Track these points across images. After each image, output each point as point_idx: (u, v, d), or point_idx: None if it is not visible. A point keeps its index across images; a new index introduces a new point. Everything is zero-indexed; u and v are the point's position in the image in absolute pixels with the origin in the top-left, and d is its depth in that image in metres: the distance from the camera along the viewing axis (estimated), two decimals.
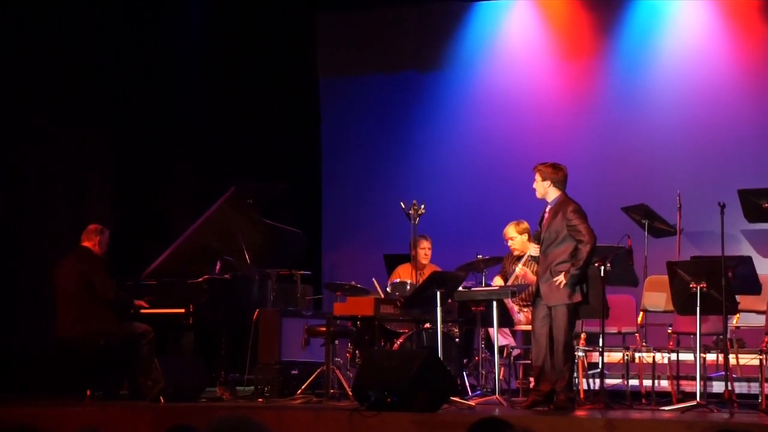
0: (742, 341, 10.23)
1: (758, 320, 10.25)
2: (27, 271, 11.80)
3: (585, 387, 10.21)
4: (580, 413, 8.89)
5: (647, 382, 10.21)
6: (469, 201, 13.09)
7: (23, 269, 11.85)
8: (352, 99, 13.90)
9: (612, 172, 12.67)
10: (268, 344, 10.63)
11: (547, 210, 9.33)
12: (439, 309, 9.75)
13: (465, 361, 10.67)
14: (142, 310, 10.71)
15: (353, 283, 10.93)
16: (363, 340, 10.58)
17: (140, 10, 12.92)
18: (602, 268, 9.30)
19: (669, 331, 10.19)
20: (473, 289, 10.27)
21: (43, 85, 12.13)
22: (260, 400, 10.26)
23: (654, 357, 10.09)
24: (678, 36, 12.74)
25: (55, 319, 10.52)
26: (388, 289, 10.78)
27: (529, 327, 9.96)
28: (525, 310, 10.63)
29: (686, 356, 10.03)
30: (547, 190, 9.31)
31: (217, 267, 11.08)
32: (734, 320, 10.12)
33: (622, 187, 12.38)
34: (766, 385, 9.49)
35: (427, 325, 10.36)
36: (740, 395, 9.93)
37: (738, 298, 9.28)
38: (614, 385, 10.49)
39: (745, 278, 9.36)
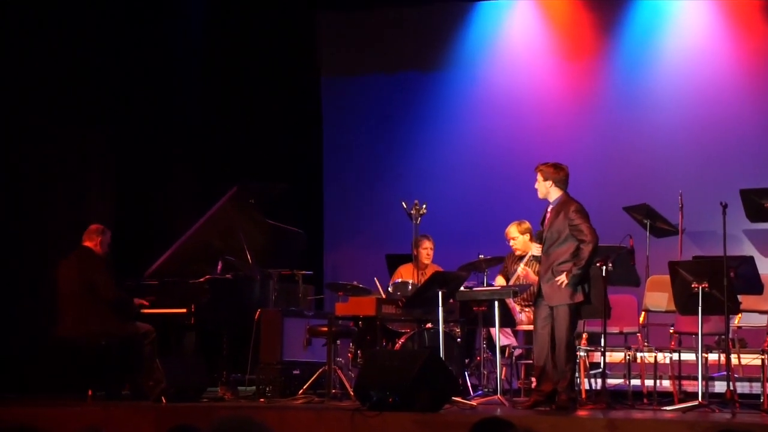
0: (744, 341, 10.22)
1: (760, 320, 10.26)
2: (27, 271, 11.79)
3: (587, 387, 10.21)
4: (582, 413, 8.89)
5: (649, 382, 10.21)
6: (470, 201, 13.09)
7: (23, 269, 11.83)
8: (354, 99, 13.89)
9: (614, 171, 12.66)
10: (270, 344, 10.63)
11: (549, 210, 9.33)
12: (440, 309, 9.75)
13: (467, 361, 10.66)
14: (144, 310, 10.71)
15: (355, 283, 10.93)
16: (365, 340, 10.57)
17: (140, 10, 12.91)
18: (604, 267, 9.30)
19: (671, 331, 10.20)
20: (475, 289, 10.26)
21: (43, 85, 12.12)
22: (262, 400, 10.26)
23: (656, 357, 10.10)
24: (679, 36, 12.74)
25: (55, 319, 10.52)
26: (389, 289, 10.77)
27: (530, 327, 9.96)
28: (527, 310, 10.63)
29: (688, 356, 10.03)
30: (548, 190, 9.31)
31: (219, 267, 11.08)
32: (736, 320, 10.12)
33: (623, 187, 12.37)
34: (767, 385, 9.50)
35: (429, 325, 10.35)
36: (742, 395, 9.93)
37: (740, 298, 9.28)
38: (616, 385, 10.50)
39: (747, 278, 9.35)
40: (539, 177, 9.32)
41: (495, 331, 10.02)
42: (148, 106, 13.05)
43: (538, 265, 9.69)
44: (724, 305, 8.91)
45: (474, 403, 9.40)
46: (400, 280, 10.90)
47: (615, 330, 10.26)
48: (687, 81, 12.62)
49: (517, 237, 10.92)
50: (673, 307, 9.58)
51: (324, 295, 12.39)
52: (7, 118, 11.92)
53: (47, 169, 12.22)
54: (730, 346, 9.51)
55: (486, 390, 10.23)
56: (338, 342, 10.58)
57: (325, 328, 10.36)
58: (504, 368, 10.28)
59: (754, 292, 9.54)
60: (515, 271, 10.72)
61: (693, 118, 12.53)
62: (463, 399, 9.32)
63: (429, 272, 10.69)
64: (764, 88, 12.38)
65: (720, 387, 9.99)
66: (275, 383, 10.47)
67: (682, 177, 12.17)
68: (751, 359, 10.02)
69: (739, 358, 9.99)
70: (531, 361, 10.05)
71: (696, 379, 9.25)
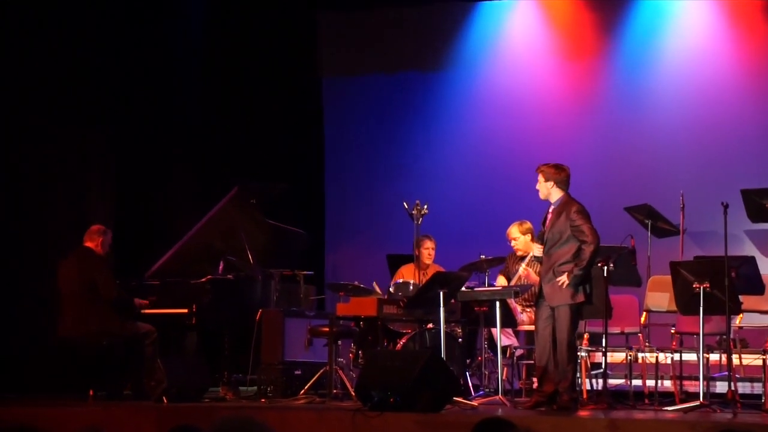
0: (746, 341, 10.22)
1: (761, 320, 10.27)
2: (27, 271, 11.79)
3: (588, 387, 10.21)
4: (583, 413, 8.90)
5: (650, 383, 10.21)
6: (472, 201, 13.08)
7: (23, 269, 11.83)
8: (355, 99, 13.89)
9: (615, 172, 12.66)
10: (271, 344, 10.63)
11: (551, 211, 9.33)
12: (442, 309, 9.75)
13: (468, 361, 10.67)
14: (145, 310, 10.71)
15: (356, 283, 10.91)
16: (366, 341, 10.57)
17: (140, 10, 12.90)
18: (605, 268, 9.30)
19: (672, 331, 10.20)
20: (476, 289, 10.26)
21: (43, 85, 12.11)
22: (263, 400, 10.27)
23: (657, 357, 10.09)
24: (681, 36, 12.73)
25: (56, 319, 10.51)
26: (391, 290, 10.77)
27: (532, 327, 9.96)
28: (528, 310, 10.63)
29: (689, 356, 10.04)
30: (550, 191, 9.31)
31: (220, 267, 11.08)
32: (737, 320, 10.12)
33: (625, 187, 12.37)
34: None
35: (430, 325, 10.35)
36: (743, 395, 9.92)
37: (741, 298, 9.28)
38: (617, 385, 10.48)
39: (748, 278, 9.35)
40: (540, 178, 9.33)
41: (496, 331, 10.02)
42: (148, 106, 13.05)
43: (539, 266, 9.69)
44: (725, 305, 8.91)
45: (475, 403, 9.40)
46: (401, 280, 10.90)
47: (616, 330, 10.26)
48: (688, 81, 12.61)
49: (519, 237, 10.92)
50: (674, 308, 9.59)
51: (325, 295, 12.39)
52: (7, 118, 11.91)
53: (47, 169, 12.22)
54: (732, 347, 9.51)
55: (487, 390, 10.22)
56: (339, 342, 10.57)
57: (327, 329, 10.36)
58: (505, 368, 10.28)
59: (755, 293, 9.54)
60: (516, 271, 10.72)
61: (694, 119, 12.53)
62: (464, 399, 9.32)
63: (430, 272, 10.69)
64: (765, 88, 12.37)
65: (721, 387, 9.98)
66: (276, 383, 10.48)
67: (683, 177, 12.17)
68: (752, 359, 10.02)
69: (740, 358, 10.00)
70: (532, 362, 10.05)
71: (697, 379, 9.25)
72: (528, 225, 10.88)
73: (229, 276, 10.99)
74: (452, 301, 10.11)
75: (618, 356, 10.31)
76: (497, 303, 9.91)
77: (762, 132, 12.27)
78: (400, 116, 13.65)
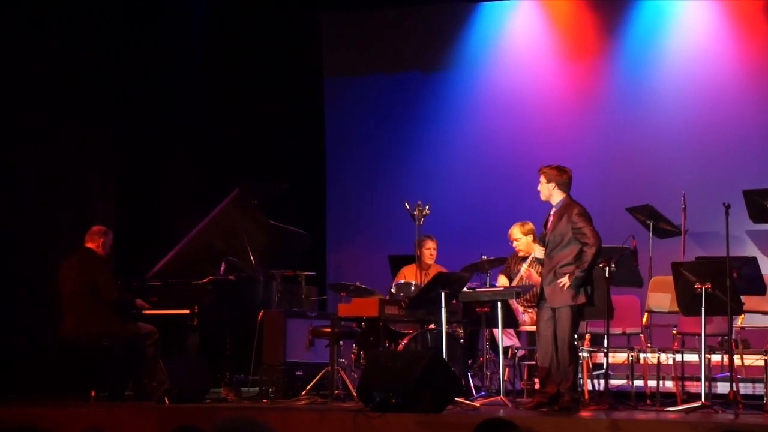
0: (747, 342, 10.21)
1: (763, 321, 10.26)
2: (27, 271, 11.78)
3: (590, 388, 10.20)
4: (585, 414, 8.90)
5: (652, 383, 10.19)
6: (473, 202, 13.08)
7: (23, 269, 11.82)
8: (356, 99, 13.88)
9: (617, 172, 12.66)
10: (273, 345, 10.64)
11: (552, 213, 9.33)
12: (443, 310, 9.74)
13: (470, 362, 10.67)
14: (146, 311, 10.71)
15: (358, 283, 10.93)
16: (367, 341, 10.57)
17: (140, 10, 12.90)
18: (607, 268, 9.29)
19: (674, 331, 10.19)
20: (478, 290, 10.25)
21: (43, 85, 12.10)
22: (265, 401, 10.26)
23: (659, 358, 10.08)
24: (682, 36, 12.72)
25: (58, 320, 10.51)
26: (392, 290, 10.77)
27: (533, 328, 9.96)
28: (530, 310, 10.62)
29: (691, 357, 10.04)
30: (551, 192, 9.32)
31: (222, 268, 11.09)
32: (739, 321, 10.11)
33: (626, 188, 12.37)
34: None
35: (432, 326, 10.36)
36: (745, 396, 9.92)
37: (743, 298, 9.27)
38: (619, 385, 10.47)
39: (750, 279, 9.34)
40: (542, 179, 9.33)
41: (498, 332, 10.02)
42: (148, 106, 13.04)
43: (541, 266, 9.69)
44: (727, 306, 8.90)
45: (477, 404, 9.39)
46: (403, 281, 10.90)
47: (618, 331, 10.25)
48: (690, 81, 12.61)
49: (520, 238, 10.91)
50: (676, 308, 9.58)
51: (327, 296, 12.39)
52: (7, 118, 11.91)
53: (47, 169, 12.21)
54: (733, 347, 9.51)
55: (489, 391, 10.22)
56: (341, 343, 10.57)
57: (328, 329, 10.35)
58: (507, 369, 10.27)
59: (757, 293, 9.53)
60: (518, 271, 10.71)
61: (696, 119, 12.52)
62: (466, 400, 9.31)
63: (432, 273, 10.69)
64: (767, 88, 12.37)
65: (723, 388, 9.97)
66: (278, 384, 10.48)
67: (685, 178, 12.17)
68: (754, 360, 10.01)
69: (742, 358, 9.99)
70: (534, 362, 10.05)
71: (699, 379, 9.26)
72: (530, 226, 10.87)
73: (230, 277, 11.00)
74: (454, 301, 10.11)
75: (620, 357, 10.30)
76: (499, 304, 9.90)
77: (764, 132, 12.26)
78: (401, 116, 13.64)
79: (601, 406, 9.22)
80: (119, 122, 12.78)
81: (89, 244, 10.59)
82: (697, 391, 9.48)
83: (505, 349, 10.22)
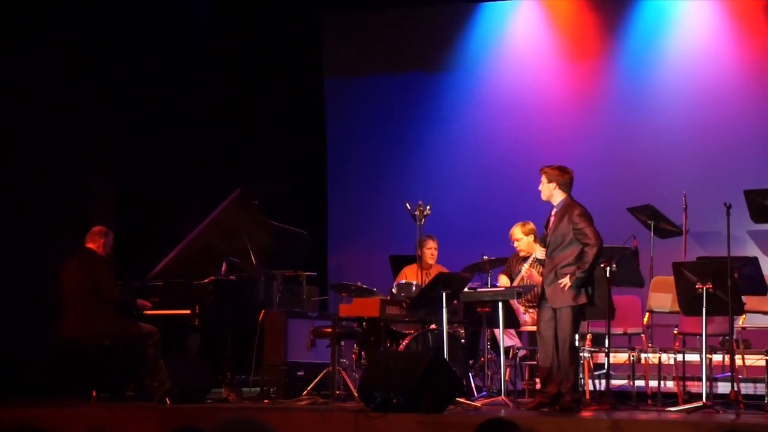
0: (748, 342, 10.21)
1: (764, 321, 10.26)
2: (27, 271, 11.78)
3: (591, 388, 10.20)
4: (586, 414, 8.90)
5: (653, 383, 10.18)
6: (474, 202, 13.08)
7: (23, 269, 11.82)
8: (357, 100, 13.88)
9: (618, 172, 12.66)
10: (274, 345, 10.64)
11: (553, 213, 9.33)
12: (444, 310, 9.74)
13: (471, 362, 10.67)
14: (148, 311, 10.71)
15: (359, 284, 10.92)
16: (369, 341, 10.57)
17: (141, 10, 12.90)
18: (608, 268, 9.29)
19: (675, 331, 10.19)
20: (479, 290, 10.25)
21: (43, 85, 12.10)
22: (266, 401, 10.26)
23: (660, 358, 10.08)
24: (683, 36, 12.72)
25: (58, 320, 10.52)
26: (393, 290, 10.77)
27: (534, 328, 9.95)
28: (531, 311, 10.62)
29: (692, 357, 10.04)
30: (552, 193, 9.31)
31: (223, 268, 11.09)
32: (740, 321, 10.11)
33: (627, 188, 12.37)
34: None
35: (433, 326, 10.36)
36: (746, 396, 9.92)
37: (744, 298, 9.28)
38: (620, 386, 10.47)
39: (751, 279, 9.33)
40: (544, 179, 9.32)
41: (499, 332, 10.01)
42: (149, 106, 13.05)
43: (542, 267, 9.68)
44: (728, 306, 8.90)
45: (478, 404, 9.39)
46: (404, 281, 10.90)
47: (619, 331, 10.25)
48: (691, 82, 12.61)
49: (522, 238, 10.90)
50: (677, 308, 9.58)
51: (328, 296, 12.38)
52: (7, 118, 11.90)
53: (47, 170, 12.21)
54: (735, 347, 9.51)
55: (490, 391, 10.22)
56: (342, 343, 10.57)
57: (329, 329, 10.35)
58: (508, 369, 10.27)
59: (758, 293, 9.53)
60: (519, 272, 10.71)
61: (697, 119, 12.52)
62: (467, 400, 9.31)
63: (433, 273, 10.69)
64: None
65: (724, 388, 9.96)
66: (279, 384, 10.48)
67: (686, 178, 12.17)
68: (755, 360, 10.01)
69: (743, 358, 9.99)
70: (535, 362, 10.04)
71: (700, 379, 9.25)
72: (531, 226, 10.87)
73: (231, 277, 11.00)
74: (455, 301, 10.11)
75: (621, 357, 10.30)
76: (500, 304, 9.90)
77: (765, 132, 12.26)
78: (402, 117, 13.64)
79: (602, 406, 9.22)
80: (120, 122, 12.78)
81: (90, 245, 10.59)
82: (698, 391, 9.48)
83: (506, 349, 10.21)
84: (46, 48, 12.13)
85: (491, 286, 10.51)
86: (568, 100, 13.08)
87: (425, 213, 10.36)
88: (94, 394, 10.17)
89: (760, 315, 10.20)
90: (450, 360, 9.48)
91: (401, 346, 10.31)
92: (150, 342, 10.41)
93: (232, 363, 10.81)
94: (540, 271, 10.04)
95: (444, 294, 9.75)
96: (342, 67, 14.02)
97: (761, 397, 9.96)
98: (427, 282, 10.29)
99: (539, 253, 9.48)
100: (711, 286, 8.94)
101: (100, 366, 10.31)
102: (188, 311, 10.66)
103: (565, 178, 9.28)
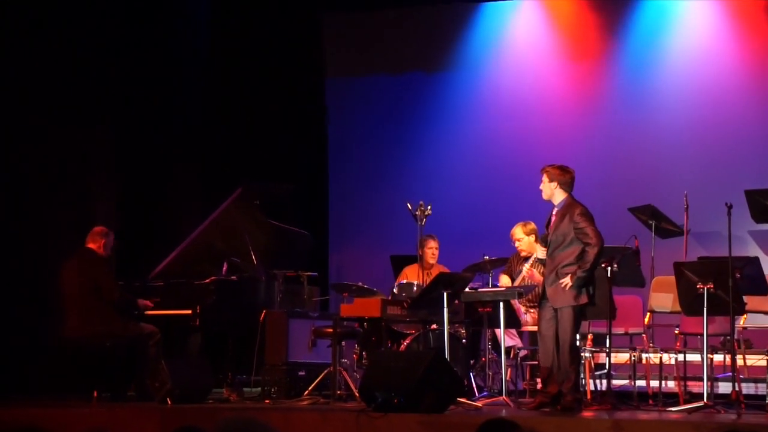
0: (750, 342, 10.23)
1: (766, 321, 10.27)
2: (28, 271, 11.77)
3: (592, 388, 10.20)
4: (587, 414, 8.89)
5: (654, 383, 10.19)
6: (475, 202, 13.08)
7: (24, 269, 11.81)
8: (358, 100, 13.89)
9: (619, 172, 12.66)
10: (275, 345, 10.64)
11: (554, 213, 9.32)
12: (446, 310, 9.74)
13: (472, 362, 10.67)
14: (149, 311, 10.70)
15: (360, 284, 10.91)
16: (370, 341, 10.57)
17: (141, 9, 12.90)
18: (609, 268, 9.29)
19: (676, 331, 10.19)
20: (480, 290, 10.25)
21: (43, 85, 12.10)
22: (267, 401, 10.25)
23: (661, 358, 10.08)
24: (684, 37, 12.73)
25: (59, 320, 10.51)
26: (394, 290, 10.76)
27: (535, 328, 9.95)
28: (532, 311, 10.62)
29: (693, 357, 10.04)
30: (553, 192, 9.30)
31: (224, 268, 11.09)
32: (741, 321, 10.13)
33: (628, 188, 12.37)
34: None
35: (434, 326, 10.35)
36: (747, 396, 9.92)
37: (745, 298, 9.29)
38: (621, 385, 10.47)
39: (752, 279, 9.34)
40: (545, 178, 9.32)
41: (500, 332, 10.01)
42: (149, 106, 13.04)
43: (543, 267, 9.68)
44: (729, 306, 8.90)
45: (479, 404, 9.39)
46: (405, 281, 10.90)
47: (620, 331, 10.24)
48: (692, 82, 12.61)
49: (523, 238, 10.91)
50: (678, 308, 9.58)
51: (329, 296, 12.38)
52: (7, 118, 11.90)
53: (47, 170, 12.21)
54: (736, 347, 9.51)
55: (491, 391, 10.22)
56: (343, 343, 10.57)
57: (330, 330, 10.34)
58: (509, 369, 10.27)
59: (759, 293, 9.54)
60: (520, 271, 10.71)
61: (698, 119, 12.53)
62: (468, 400, 9.31)
63: (434, 273, 10.68)
64: None
65: (725, 388, 9.96)
66: (280, 384, 10.48)
67: (687, 178, 12.17)
68: (756, 360, 10.03)
69: (744, 358, 10.00)
70: (536, 362, 10.03)
71: (701, 379, 9.25)
72: (532, 226, 10.87)
73: (232, 277, 11.00)
74: (456, 301, 10.10)
75: (622, 357, 10.30)
76: (501, 304, 9.90)
77: (766, 132, 12.26)
78: (403, 117, 13.64)
79: (603, 406, 9.22)
80: (120, 122, 12.78)
81: (90, 245, 10.59)
82: (699, 391, 9.47)
83: (508, 349, 10.21)
84: (46, 48, 12.12)
85: (492, 286, 10.51)
86: (568, 100, 13.09)
87: (426, 213, 10.36)
88: (95, 394, 10.17)
89: (762, 315, 10.21)
90: (451, 360, 9.48)
91: (402, 346, 10.30)
92: (151, 342, 10.41)
93: (233, 363, 10.80)
94: (541, 270, 10.04)
95: (445, 294, 9.74)
96: (342, 67, 14.02)
97: (762, 397, 9.96)
98: (428, 282, 10.29)
99: (540, 252, 9.47)
100: (712, 286, 8.94)
101: (101, 366, 10.31)
102: (189, 311, 10.66)
103: (566, 177, 9.27)
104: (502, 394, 9.71)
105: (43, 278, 11.17)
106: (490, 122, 13.33)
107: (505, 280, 10.84)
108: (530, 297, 10.59)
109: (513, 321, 10.41)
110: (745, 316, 10.04)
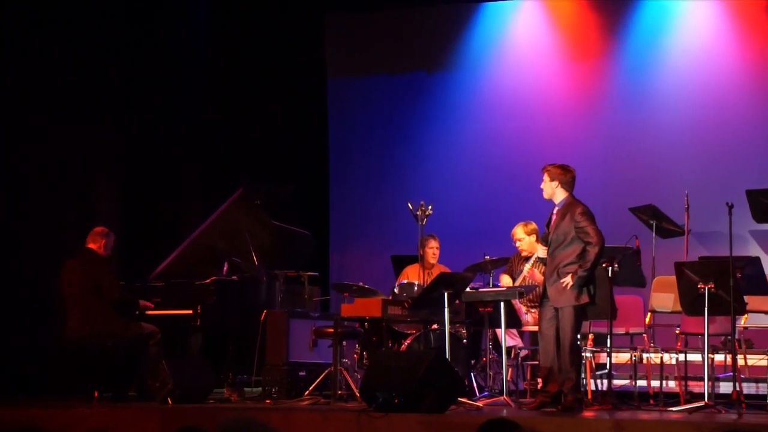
0: (750, 342, 10.22)
1: (766, 321, 10.26)
2: (28, 271, 11.76)
3: (593, 388, 10.20)
4: (588, 414, 8.88)
5: (655, 383, 10.19)
6: (476, 201, 13.09)
7: (24, 269, 11.80)
8: (360, 100, 13.89)
9: (619, 172, 12.66)
10: (276, 345, 10.64)
11: (555, 212, 9.32)
12: (446, 310, 9.74)
13: (473, 362, 10.67)
14: (149, 312, 10.70)
15: (361, 284, 10.92)
16: (371, 342, 10.57)
17: (142, 9, 12.90)
18: (610, 268, 9.28)
19: (677, 331, 10.19)
20: (481, 290, 10.25)
21: (43, 85, 12.10)
22: (268, 401, 10.24)
23: (662, 358, 10.08)
24: (685, 36, 12.73)
25: (59, 320, 10.51)
26: (395, 290, 10.76)
27: (536, 328, 9.95)
28: (533, 310, 10.61)
29: (694, 357, 10.04)
30: (554, 191, 9.30)
31: (225, 268, 11.08)
32: (742, 321, 10.12)
33: (629, 188, 12.37)
34: None
35: (435, 326, 10.35)
36: (748, 396, 9.93)
37: (746, 298, 9.28)
38: (622, 385, 10.47)
39: (753, 279, 9.34)
40: (546, 177, 9.31)
41: (501, 332, 10.01)
42: (150, 106, 13.05)
43: (544, 266, 9.67)
44: (730, 306, 8.90)
45: (480, 404, 9.39)
46: (406, 281, 10.90)
47: (621, 331, 10.24)
48: (693, 81, 12.62)
49: (524, 238, 10.90)
50: (679, 308, 9.58)
51: (330, 296, 12.39)
52: (7, 118, 11.90)
53: (47, 170, 12.20)
54: (737, 347, 9.50)
55: (492, 391, 10.22)
56: (344, 343, 10.56)
57: (331, 330, 10.33)
58: (510, 369, 10.28)
59: (760, 293, 9.54)
60: (521, 271, 10.71)
61: (699, 119, 12.53)
62: (469, 400, 9.30)
63: (435, 272, 10.68)
64: None
65: (726, 388, 9.95)
66: (281, 384, 10.48)
67: (688, 177, 12.16)
68: (757, 360, 10.03)
69: (745, 358, 9.99)
70: (537, 362, 10.03)
71: (702, 379, 9.25)
72: (533, 225, 10.87)
73: (233, 277, 11.00)
74: (457, 301, 10.10)
75: (623, 357, 10.31)
76: (502, 303, 9.89)
77: (767, 132, 12.26)
78: (404, 117, 13.65)
79: (604, 406, 9.21)
80: (120, 122, 12.78)
81: (91, 245, 10.58)
82: (700, 391, 9.47)
83: (508, 349, 10.21)
84: (46, 48, 12.12)
85: (493, 286, 10.51)
86: (569, 100, 13.09)
87: (427, 213, 10.36)
88: (96, 394, 10.16)
89: (762, 315, 10.21)
90: (452, 360, 9.47)
91: (403, 346, 10.30)
92: (152, 342, 10.40)
93: (233, 363, 10.81)
94: (542, 270, 10.04)
95: (446, 294, 9.74)
96: (344, 67, 14.02)
97: (763, 397, 9.96)
98: (429, 282, 10.28)
99: (541, 252, 9.47)
100: (713, 285, 8.94)
101: (102, 366, 10.30)
102: (190, 311, 10.66)
103: (567, 176, 9.27)
104: (503, 394, 9.70)
105: (43, 278, 11.16)
106: (490, 122, 13.33)
107: (506, 280, 10.84)
108: (531, 297, 10.59)
109: (514, 321, 10.41)
110: (746, 316, 10.04)
